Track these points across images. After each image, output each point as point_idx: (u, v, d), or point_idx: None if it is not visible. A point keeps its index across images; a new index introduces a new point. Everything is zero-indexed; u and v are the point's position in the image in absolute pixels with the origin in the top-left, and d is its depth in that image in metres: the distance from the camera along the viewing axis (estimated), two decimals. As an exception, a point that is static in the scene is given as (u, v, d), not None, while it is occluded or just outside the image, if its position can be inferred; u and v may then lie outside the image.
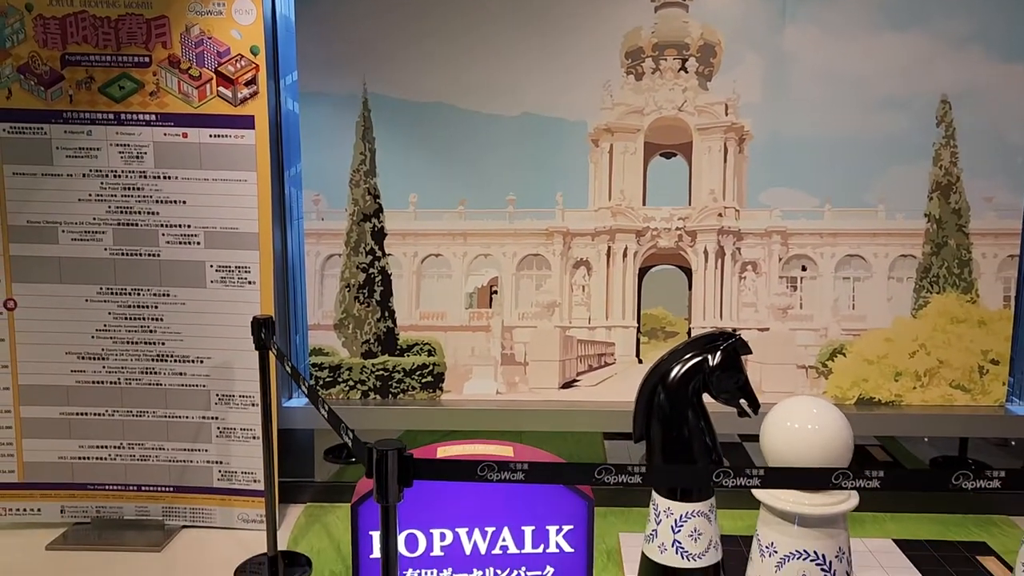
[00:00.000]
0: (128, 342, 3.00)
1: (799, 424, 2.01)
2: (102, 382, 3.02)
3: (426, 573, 1.95)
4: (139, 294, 2.98)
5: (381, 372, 3.33)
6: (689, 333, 3.29)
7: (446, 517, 1.92)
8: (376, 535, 1.87)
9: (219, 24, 2.86)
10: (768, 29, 3.10)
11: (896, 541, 2.95)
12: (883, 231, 3.20)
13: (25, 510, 3.07)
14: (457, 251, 3.29)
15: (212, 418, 3.02)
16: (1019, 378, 3.26)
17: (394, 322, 3.31)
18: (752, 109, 3.15)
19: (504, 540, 1.94)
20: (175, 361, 3.00)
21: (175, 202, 2.94)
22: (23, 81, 2.87)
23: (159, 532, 3.03)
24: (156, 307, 2.98)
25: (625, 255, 3.27)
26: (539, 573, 1.95)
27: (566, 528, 1.94)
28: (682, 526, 2.32)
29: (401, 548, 1.89)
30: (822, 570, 1.94)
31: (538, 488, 1.90)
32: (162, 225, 2.94)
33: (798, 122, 3.13)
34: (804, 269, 3.25)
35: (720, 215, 3.22)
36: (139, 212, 2.94)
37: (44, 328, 2.99)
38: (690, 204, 3.23)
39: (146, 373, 3.01)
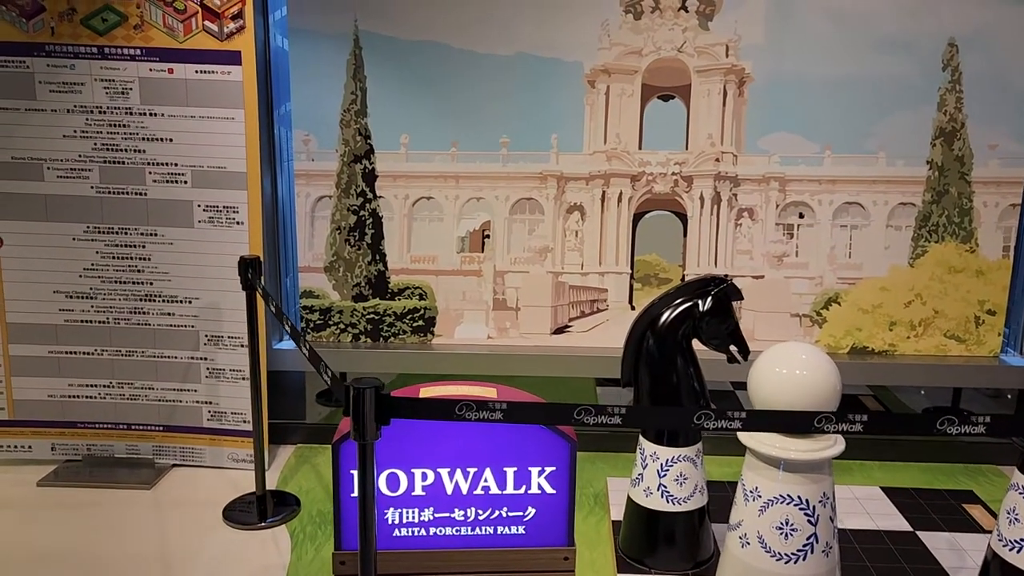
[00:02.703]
0: (116, 281, 2.98)
1: (787, 369, 1.98)
2: (90, 321, 3.00)
3: (407, 512, 1.95)
4: (126, 233, 2.94)
5: (372, 315, 3.31)
6: (683, 280, 3.25)
7: (428, 457, 1.92)
8: (356, 473, 1.87)
9: (204, -46, 2.78)
10: (772, -33, 3.00)
11: (883, 489, 2.96)
12: (883, 178, 3.14)
13: (16, 447, 3.09)
14: (449, 194, 3.24)
15: (201, 359, 3.01)
16: (1015, 329, 3.24)
17: (385, 265, 3.28)
18: (753, 51, 3.06)
19: (486, 481, 1.94)
20: (163, 301, 2.98)
21: (161, 140, 2.88)
22: (4, 12, 2.79)
23: (149, 470, 3.04)
24: (144, 246, 2.95)
25: (620, 200, 3.22)
26: (521, 514, 1.95)
27: (548, 470, 1.93)
28: (668, 470, 2.32)
29: (383, 487, 1.90)
30: (805, 514, 1.94)
31: (521, 430, 1.89)
32: (149, 163, 2.90)
33: (800, 65, 3.05)
34: (801, 216, 3.20)
35: (717, 160, 3.16)
36: (125, 150, 2.89)
37: (31, 266, 2.96)
38: (687, 149, 3.17)
39: (134, 313, 2.99)
